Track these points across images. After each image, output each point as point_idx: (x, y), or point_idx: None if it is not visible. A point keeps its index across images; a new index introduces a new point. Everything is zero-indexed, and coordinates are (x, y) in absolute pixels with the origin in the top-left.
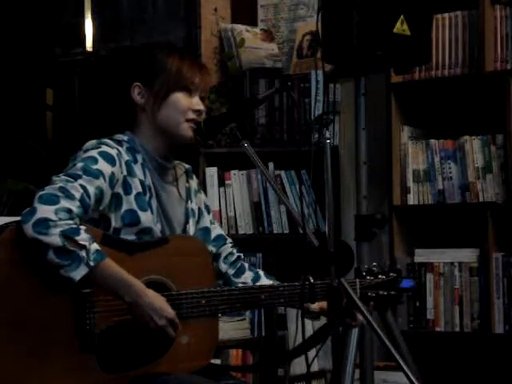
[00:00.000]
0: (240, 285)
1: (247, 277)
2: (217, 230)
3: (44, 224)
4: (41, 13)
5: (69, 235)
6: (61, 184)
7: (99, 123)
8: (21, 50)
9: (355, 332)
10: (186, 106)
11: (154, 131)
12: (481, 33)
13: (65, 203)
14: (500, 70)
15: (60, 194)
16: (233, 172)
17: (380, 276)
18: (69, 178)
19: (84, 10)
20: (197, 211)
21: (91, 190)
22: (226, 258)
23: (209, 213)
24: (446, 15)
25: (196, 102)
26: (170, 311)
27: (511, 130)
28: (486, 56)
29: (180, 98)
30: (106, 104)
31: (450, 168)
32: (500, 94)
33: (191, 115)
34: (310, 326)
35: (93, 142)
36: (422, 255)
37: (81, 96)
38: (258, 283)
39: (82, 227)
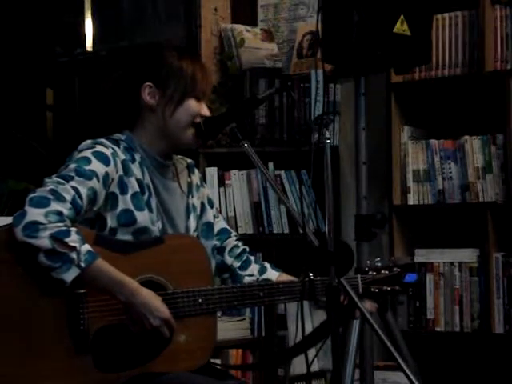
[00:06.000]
0: (246, 277)
1: (253, 269)
2: (220, 224)
3: (33, 227)
4: (41, 13)
5: (58, 237)
6: (52, 186)
7: (99, 122)
8: (21, 50)
9: (355, 331)
10: (197, 112)
11: (159, 132)
12: (481, 33)
13: (55, 206)
14: (500, 70)
15: (51, 196)
16: (233, 172)
17: (383, 271)
18: (60, 180)
19: (84, 10)
20: (199, 206)
21: (83, 191)
22: (230, 251)
23: (212, 207)
24: (446, 15)
25: (205, 108)
26: (164, 311)
27: (511, 129)
28: (486, 56)
29: (193, 104)
30: (109, 103)
31: (449, 168)
32: (500, 93)
33: (198, 120)
34: (310, 326)
35: (87, 142)
36: (422, 255)
37: (81, 96)
38: (265, 275)
39: (73, 229)
